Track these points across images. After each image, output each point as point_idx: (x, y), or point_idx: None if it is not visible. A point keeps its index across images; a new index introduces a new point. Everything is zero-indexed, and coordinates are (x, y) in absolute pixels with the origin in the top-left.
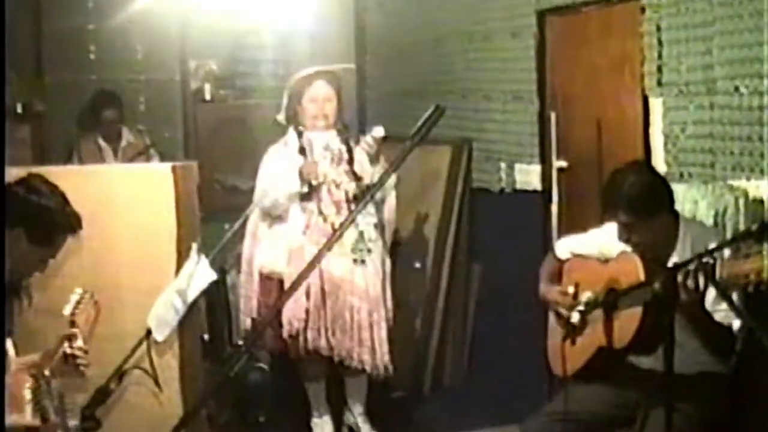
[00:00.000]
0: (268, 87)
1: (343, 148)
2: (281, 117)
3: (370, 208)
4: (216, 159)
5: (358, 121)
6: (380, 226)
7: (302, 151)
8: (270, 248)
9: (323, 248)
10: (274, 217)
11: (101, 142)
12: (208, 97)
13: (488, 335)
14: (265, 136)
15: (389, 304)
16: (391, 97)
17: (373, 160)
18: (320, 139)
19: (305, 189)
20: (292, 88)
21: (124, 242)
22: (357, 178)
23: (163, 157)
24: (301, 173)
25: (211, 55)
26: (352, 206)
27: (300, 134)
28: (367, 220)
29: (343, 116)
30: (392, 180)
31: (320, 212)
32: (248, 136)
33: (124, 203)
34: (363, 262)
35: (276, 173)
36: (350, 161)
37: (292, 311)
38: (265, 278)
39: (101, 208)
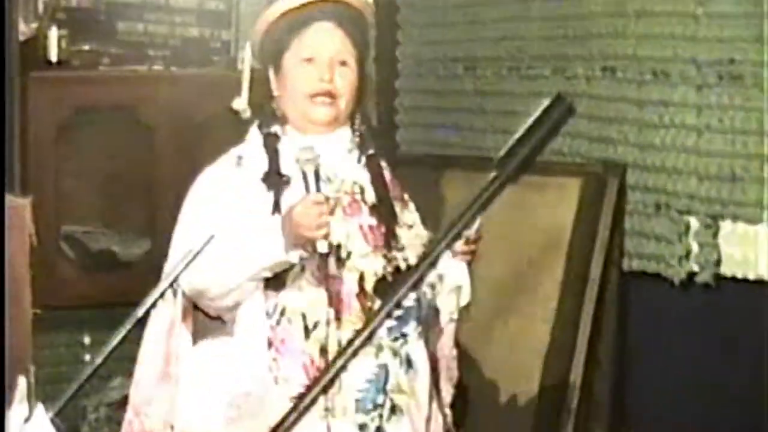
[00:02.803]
0: (182, 40)
1: (364, 174)
2: (241, 102)
3: (408, 324)
4: (69, 193)
5: (377, 115)
6: (421, 363)
7: (273, 176)
8: (198, 390)
9: (298, 405)
10: (212, 317)
11: None
12: (54, 56)
13: None
14: (182, 145)
15: None
16: (443, 70)
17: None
18: (315, 152)
19: (294, 259)
20: (265, 35)
21: None
22: (390, 247)
23: None
24: (287, 224)
25: None
26: (374, 307)
27: (271, 137)
28: (397, 345)
29: (366, 103)
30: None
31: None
32: (141, 144)
33: None
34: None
35: (217, 222)
36: (380, 206)
37: None
38: None
39: None
